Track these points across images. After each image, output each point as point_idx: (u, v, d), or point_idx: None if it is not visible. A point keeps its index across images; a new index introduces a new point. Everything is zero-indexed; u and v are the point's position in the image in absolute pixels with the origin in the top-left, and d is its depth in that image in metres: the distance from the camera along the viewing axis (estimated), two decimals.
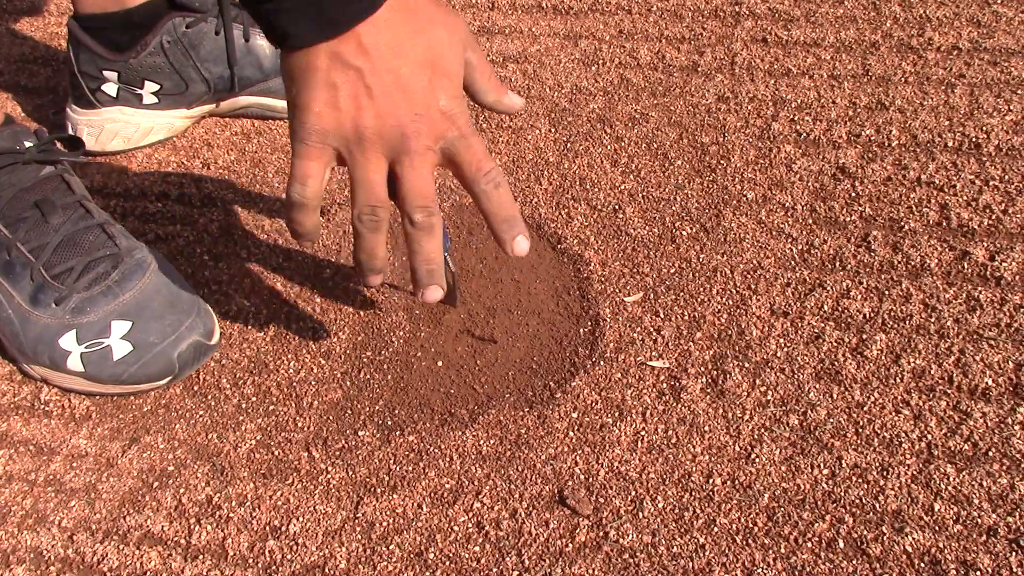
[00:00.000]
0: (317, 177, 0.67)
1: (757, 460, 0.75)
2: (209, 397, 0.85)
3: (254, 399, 0.84)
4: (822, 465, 0.74)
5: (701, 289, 0.89)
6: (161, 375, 0.83)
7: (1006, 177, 0.95)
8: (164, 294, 0.84)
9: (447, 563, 0.71)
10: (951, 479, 0.72)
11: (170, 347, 0.82)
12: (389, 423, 0.81)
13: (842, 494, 0.72)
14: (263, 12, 0.62)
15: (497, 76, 0.71)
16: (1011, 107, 1.04)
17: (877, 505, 0.71)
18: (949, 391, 0.78)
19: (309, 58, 0.62)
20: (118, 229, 0.88)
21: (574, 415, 0.79)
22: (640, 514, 0.72)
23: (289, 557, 0.72)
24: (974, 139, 1.00)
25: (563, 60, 1.21)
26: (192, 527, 0.75)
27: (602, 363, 0.83)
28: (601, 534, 0.71)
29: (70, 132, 1.13)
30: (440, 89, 0.65)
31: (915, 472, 0.72)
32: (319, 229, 0.72)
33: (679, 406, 0.79)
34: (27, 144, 0.87)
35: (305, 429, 0.81)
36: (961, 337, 0.81)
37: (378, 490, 0.76)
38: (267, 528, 0.74)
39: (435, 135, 0.65)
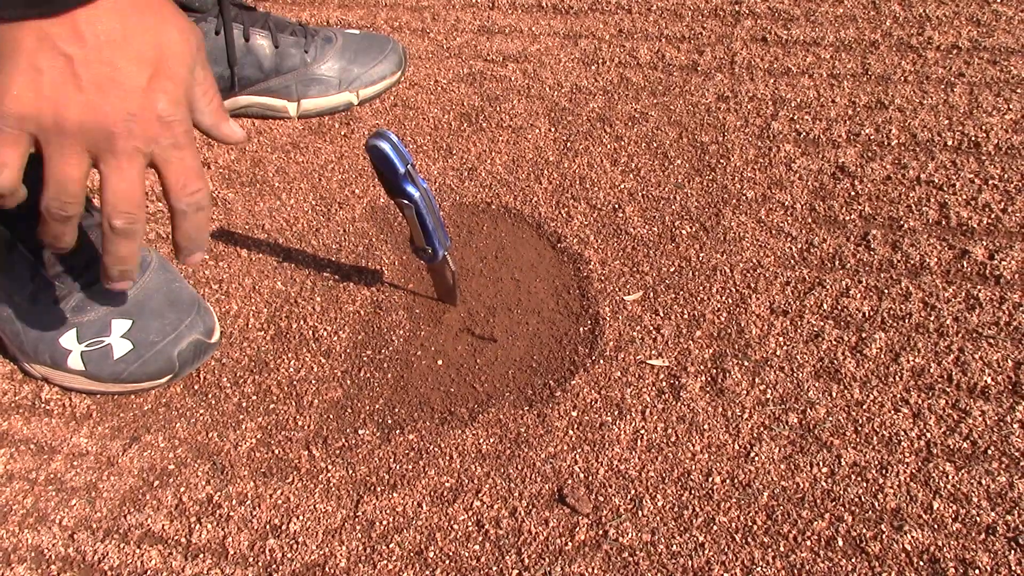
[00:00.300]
0: (13, 166, 0.59)
1: (756, 458, 0.75)
2: (209, 396, 0.85)
3: (254, 398, 0.84)
4: (821, 463, 0.74)
5: (701, 288, 0.89)
6: (161, 373, 0.83)
7: (1005, 176, 0.95)
8: (164, 293, 0.84)
9: (447, 562, 0.71)
10: (950, 477, 0.72)
11: (170, 345, 0.82)
12: (389, 422, 0.81)
13: (841, 492, 0.72)
14: None
15: (221, 100, 0.67)
16: (1010, 106, 1.04)
17: (876, 503, 0.71)
18: (948, 389, 0.78)
19: (15, 34, 0.56)
20: None
21: (574, 413, 0.79)
22: (639, 512, 0.72)
23: (289, 556, 0.72)
24: (973, 138, 1.00)
25: (563, 59, 1.21)
26: (192, 526, 0.75)
27: (602, 362, 0.83)
28: (601, 532, 0.71)
29: None
30: (161, 91, 0.59)
31: (914, 470, 0.72)
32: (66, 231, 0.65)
33: (679, 405, 0.79)
34: None
35: (305, 428, 0.81)
36: (960, 335, 0.82)
37: (378, 489, 0.76)
38: (267, 527, 0.74)
39: (147, 138, 0.60)
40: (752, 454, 0.75)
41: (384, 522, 0.74)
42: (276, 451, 0.80)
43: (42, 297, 0.83)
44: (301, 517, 0.75)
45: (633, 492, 0.74)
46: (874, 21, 1.20)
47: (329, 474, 0.78)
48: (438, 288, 0.90)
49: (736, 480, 0.74)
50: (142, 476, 0.79)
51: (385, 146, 0.72)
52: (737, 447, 0.76)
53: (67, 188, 0.60)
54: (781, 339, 0.83)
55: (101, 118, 0.58)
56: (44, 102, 0.57)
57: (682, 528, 0.71)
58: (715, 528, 0.71)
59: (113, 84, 0.57)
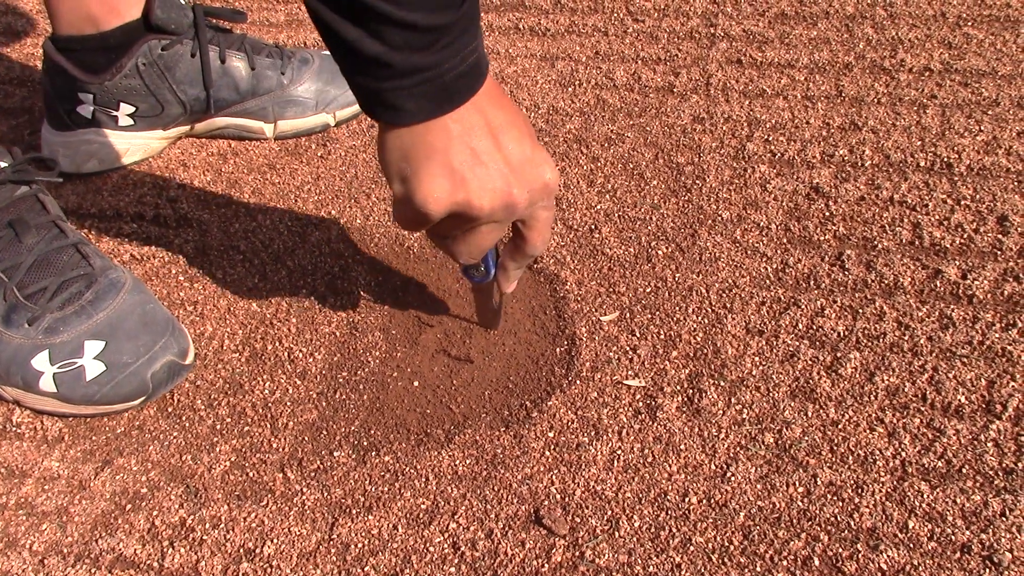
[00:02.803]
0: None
1: (733, 479, 0.75)
2: (183, 418, 0.84)
3: (229, 420, 0.84)
4: (797, 483, 0.74)
5: (677, 308, 0.89)
6: (134, 395, 0.82)
7: (977, 196, 0.96)
8: (138, 314, 0.84)
9: None
10: (925, 496, 0.72)
11: (143, 367, 0.82)
12: (365, 444, 0.81)
13: (817, 512, 0.72)
14: (373, 88, 0.60)
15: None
16: (982, 127, 1.05)
17: (852, 523, 0.71)
18: (923, 408, 0.78)
19: (428, 138, 0.62)
20: (92, 249, 0.87)
21: (550, 434, 0.79)
22: (616, 533, 0.72)
23: None
24: (946, 159, 1.01)
25: (540, 81, 1.22)
26: (165, 550, 0.74)
27: (578, 382, 0.83)
28: (577, 554, 0.71)
29: (46, 154, 1.12)
30: (543, 161, 0.66)
31: (889, 489, 0.73)
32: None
33: (655, 425, 0.79)
34: (1, 164, 0.87)
35: (280, 450, 0.81)
36: (934, 355, 0.82)
37: (353, 511, 0.75)
38: (241, 551, 0.74)
39: (533, 204, 0.67)
40: (728, 474, 0.75)
41: (359, 545, 0.73)
42: (250, 474, 0.79)
43: (14, 318, 0.82)
44: (275, 540, 0.74)
45: (610, 513, 0.73)
46: (848, 44, 1.22)
47: (304, 497, 0.77)
48: (480, 311, 0.88)
49: (712, 500, 0.73)
50: (114, 500, 0.78)
51: None
52: (713, 467, 0.76)
53: (475, 253, 0.70)
54: (757, 359, 0.83)
55: (508, 201, 0.64)
56: (459, 197, 0.63)
57: (659, 549, 0.71)
58: (692, 548, 0.70)
59: (511, 168, 0.64)
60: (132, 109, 1.09)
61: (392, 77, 0.59)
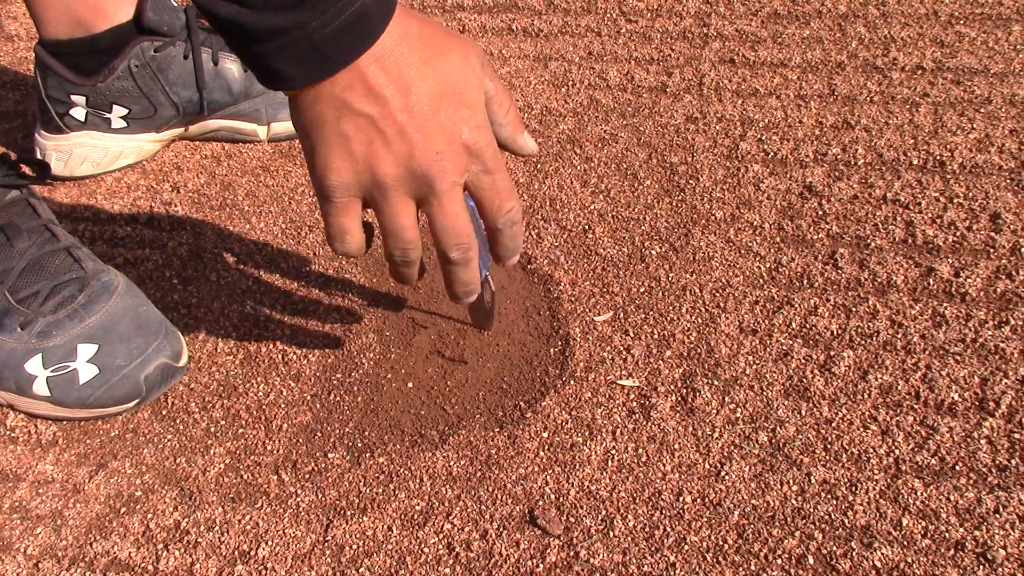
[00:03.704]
0: (354, 231, 0.65)
1: (727, 477, 0.75)
2: (177, 421, 0.84)
3: (223, 422, 0.83)
4: (791, 482, 0.74)
5: (670, 308, 0.89)
6: (128, 398, 0.82)
7: (970, 194, 0.97)
8: (131, 316, 0.84)
9: None
10: (919, 494, 0.72)
11: (137, 369, 0.82)
12: (359, 445, 0.80)
13: (811, 510, 0.72)
14: (254, 54, 0.58)
15: (517, 109, 0.69)
16: (974, 125, 1.05)
17: (846, 521, 0.71)
18: (916, 406, 0.78)
19: (318, 109, 0.59)
20: (84, 252, 0.87)
21: (544, 435, 0.79)
22: (611, 533, 0.72)
23: None
24: (938, 157, 1.02)
25: (533, 82, 1.22)
26: (160, 553, 0.74)
27: (572, 382, 0.83)
28: (572, 554, 0.71)
29: (39, 157, 1.12)
30: (461, 121, 0.61)
31: (883, 487, 0.73)
32: (410, 265, 0.69)
33: (649, 424, 0.79)
34: None
35: (274, 452, 0.81)
36: (927, 353, 0.82)
37: (348, 513, 0.75)
38: (236, 553, 0.73)
39: (460, 169, 0.62)
40: (723, 473, 0.75)
41: (354, 546, 0.73)
42: (245, 476, 0.79)
43: (7, 323, 0.82)
44: (270, 542, 0.74)
45: (604, 513, 0.73)
46: (840, 43, 1.22)
47: (298, 498, 0.77)
48: (473, 312, 0.88)
49: (707, 499, 0.73)
50: (108, 503, 0.78)
51: None
52: (708, 466, 0.76)
53: (403, 236, 0.64)
54: (750, 358, 0.84)
55: (414, 165, 0.60)
56: (359, 166, 0.60)
57: (653, 548, 0.71)
58: (686, 548, 0.70)
59: (416, 129, 0.59)
60: (125, 111, 1.09)
61: (257, 40, 0.56)
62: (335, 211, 0.64)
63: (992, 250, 0.90)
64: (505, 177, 0.65)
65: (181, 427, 0.83)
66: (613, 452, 0.77)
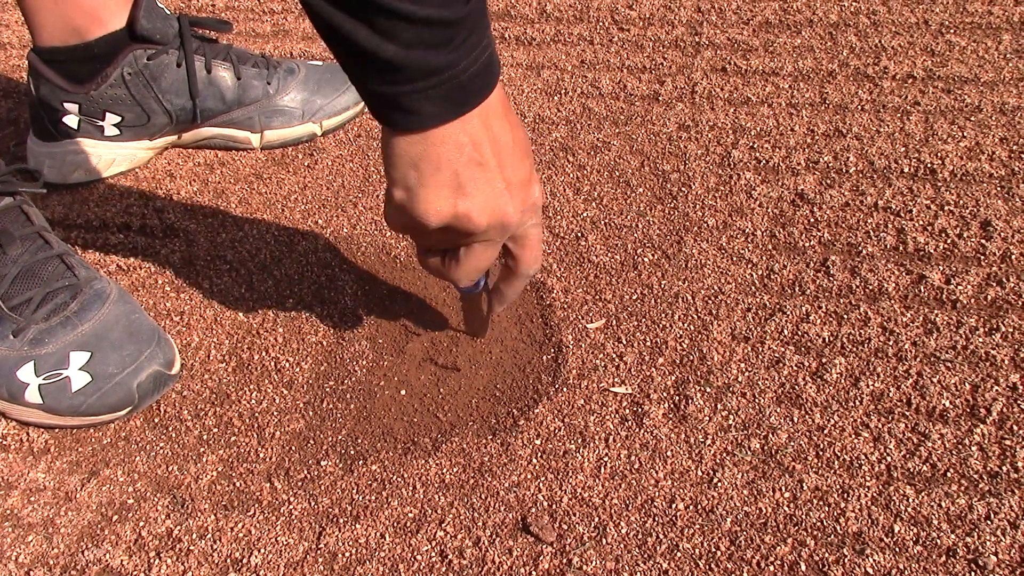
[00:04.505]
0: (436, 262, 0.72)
1: (719, 484, 0.75)
2: (170, 429, 0.84)
3: (215, 430, 0.83)
4: (784, 488, 0.74)
5: (663, 315, 0.89)
6: (120, 406, 0.82)
7: (961, 202, 0.97)
8: (123, 324, 0.84)
9: None
10: (910, 500, 0.72)
11: (129, 377, 0.81)
12: (352, 452, 0.80)
13: (803, 517, 0.72)
14: (390, 93, 0.58)
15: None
16: (965, 133, 1.06)
17: (838, 527, 0.71)
18: (907, 413, 0.78)
19: (440, 148, 0.61)
20: (77, 260, 0.87)
21: (537, 442, 0.79)
22: (603, 540, 0.72)
23: None
24: (929, 165, 1.02)
25: (526, 90, 1.22)
26: (152, 561, 0.74)
27: (565, 390, 0.83)
28: (565, 561, 0.71)
29: (32, 164, 1.12)
30: (535, 181, 0.66)
31: (875, 494, 0.73)
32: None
33: (642, 432, 0.79)
34: None
35: (267, 460, 0.81)
36: (919, 360, 0.82)
37: (340, 520, 0.75)
38: (228, 561, 0.73)
39: (524, 223, 0.68)
40: (715, 480, 0.75)
41: (347, 554, 0.73)
42: (237, 484, 0.79)
43: None
44: (263, 550, 0.74)
45: (597, 520, 0.73)
46: (831, 51, 1.22)
47: (291, 506, 0.77)
48: (468, 320, 0.88)
49: (699, 506, 0.74)
50: (100, 511, 0.78)
51: None
52: (700, 473, 0.76)
53: (471, 274, 0.70)
54: (743, 365, 0.84)
55: (504, 220, 0.65)
56: (460, 210, 0.63)
57: (646, 555, 0.71)
58: (679, 555, 0.71)
59: (510, 186, 0.64)
60: (118, 119, 1.09)
61: (409, 80, 0.57)
62: (425, 248, 0.71)
63: (983, 257, 0.91)
64: (542, 231, 0.71)
65: (174, 435, 0.83)
66: (606, 459, 0.78)
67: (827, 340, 0.85)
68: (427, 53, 0.56)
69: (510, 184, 0.64)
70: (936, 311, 0.86)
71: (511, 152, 0.63)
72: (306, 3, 0.55)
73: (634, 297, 0.91)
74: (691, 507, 0.74)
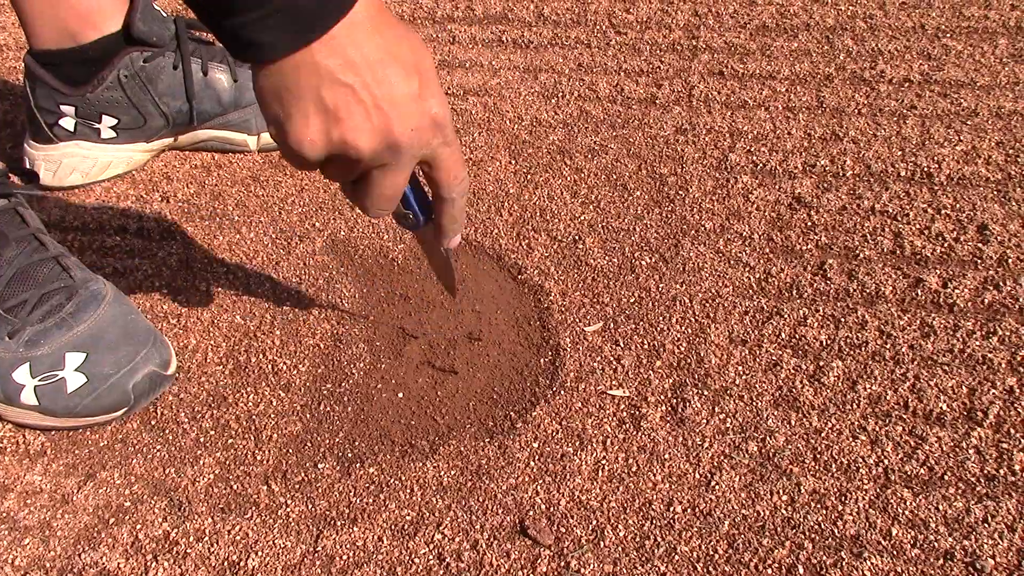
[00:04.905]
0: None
1: (717, 487, 0.75)
2: (167, 431, 0.84)
3: (212, 433, 0.83)
4: (781, 491, 0.74)
5: (660, 318, 0.89)
6: (116, 407, 0.82)
7: (957, 206, 0.97)
8: (119, 325, 0.83)
9: None
10: (908, 503, 0.72)
11: (125, 378, 0.81)
12: (349, 455, 0.80)
13: (801, 520, 0.72)
14: (228, 27, 0.57)
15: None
16: (961, 137, 1.06)
17: (836, 530, 0.71)
18: (905, 416, 0.79)
19: (294, 77, 0.58)
20: (73, 261, 0.87)
21: (535, 445, 0.79)
22: (601, 543, 0.72)
23: None
24: (926, 169, 1.02)
25: (523, 93, 1.22)
26: (149, 564, 0.73)
27: (562, 392, 0.83)
28: (562, 564, 0.71)
29: (28, 167, 1.12)
30: (430, 96, 0.62)
31: (873, 497, 0.73)
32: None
33: (639, 434, 0.79)
34: None
35: (264, 462, 0.80)
36: (916, 363, 0.83)
37: (338, 523, 0.75)
38: (225, 563, 0.73)
39: (425, 144, 0.63)
40: (713, 483, 0.75)
41: (344, 557, 0.73)
42: (234, 486, 0.79)
43: None
44: (260, 553, 0.74)
45: (595, 523, 0.73)
46: (828, 55, 1.23)
47: (288, 509, 0.77)
48: (435, 269, 0.86)
49: (697, 509, 0.74)
50: (97, 514, 0.77)
51: None
52: (698, 476, 0.76)
53: (379, 203, 0.66)
54: (740, 368, 0.84)
55: (391, 139, 0.60)
56: (334, 137, 0.59)
57: (644, 558, 0.71)
58: (676, 558, 0.71)
59: (393, 103, 0.60)
60: (114, 121, 1.09)
61: (243, 11, 0.55)
62: (335, 180, 0.66)
63: (980, 261, 0.91)
64: (459, 149, 0.67)
65: (170, 437, 0.83)
66: (603, 462, 0.78)
67: (824, 343, 0.85)
68: None
69: (391, 101, 0.59)
70: (933, 315, 0.86)
71: (386, 67, 0.59)
72: None
73: (632, 300, 0.91)
74: (689, 510, 0.74)
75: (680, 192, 1.04)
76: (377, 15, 0.59)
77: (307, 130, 0.59)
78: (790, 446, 0.77)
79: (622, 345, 0.87)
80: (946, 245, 0.93)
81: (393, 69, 0.60)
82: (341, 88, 0.58)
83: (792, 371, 0.83)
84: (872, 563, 0.69)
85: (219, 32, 0.59)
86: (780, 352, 0.85)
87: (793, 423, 0.79)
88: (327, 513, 0.76)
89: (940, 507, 0.72)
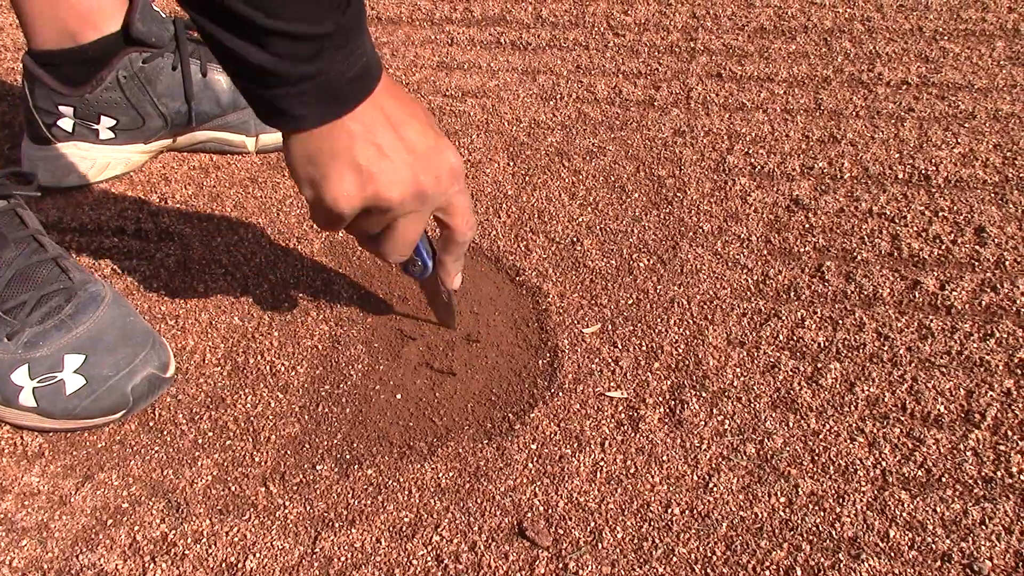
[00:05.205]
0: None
1: (715, 489, 0.75)
2: (165, 433, 0.84)
3: (210, 434, 0.83)
4: (779, 493, 0.74)
5: (658, 320, 0.89)
6: (115, 408, 0.82)
7: (955, 208, 0.97)
8: (118, 327, 0.83)
9: None
10: (906, 505, 0.72)
11: (124, 380, 0.81)
12: (347, 457, 0.80)
13: (799, 522, 0.72)
14: (265, 97, 0.62)
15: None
16: (959, 140, 1.06)
17: (833, 532, 0.71)
18: (902, 418, 0.79)
19: (331, 142, 0.64)
20: (72, 263, 0.87)
21: (533, 446, 0.79)
22: (599, 545, 0.72)
23: None
24: (924, 171, 1.02)
25: (521, 95, 1.22)
26: (147, 565, 0.73)
27: (561, 394, 0.83)
28: (561, 566, 0.71)
29: (26, 168, 1.12)
30: (446, 148, 0.68)
31: (870, 499, 0.73)
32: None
33: (637, 436, 0.79)
34: None
35: (262, 464, 0.80)
36: (913, 365, 0.83)
37: (336, 525, 0.75)
38: (223, 565, 0.73)
39: (445, 191, 0.70)
40: (711, 485, 0.75)
41: (342, 558, 0.73)
42: (232, 488, 0.79)
43: None
44: (258, 555, 0.74)
45: (593, 524, 0.73)
46: (826, 58, 1.23)
47: (286, 510, 0.77)
48: (434, 308, 0.90)
49: (695, 511, 0.74)
50: (95, 515, 0.77)
51: None
52: (696, 478, 0.76)
53: (400, 249, 0.72)
54: (738, 370, 0.84)
55: (418, 189, 0.67)
56: (368, 191, 0.65)
57: (642, 560, 0.71)
58: (675, 559, 0.71)
59: (416, 157, 0.66)
60: (113, 122, 1.09)
61: (281, 85, 0.61)
62: (358, 235, 0.73)
63: (977, 263, 0.91)
64: (469, 196, 0.74)
65: (168, 439, 0.83)
66: (602, 464, 0.78)
67: (822, 345, 0.85)
68: (299, 63, 0.60)
69: (415, 153, 0.66)
70: (931, 316, 0.87)
71: (408, 124, 0.66)
72: (184, 2, 0.59)
73: (630, 302, 0.91)
74: (687, 512, 0.74)
75: (678, 194, 1.04)
76: (389, 82, 0.66)
77: (343, 188, 0.65)
78: (788, 448, 0.77)
79: (620, 347, 0.87)
80: (944, 247, 0.93)
81: (413, 127, 0.66)
82: (371, 147, 0.64)
83: (790, 373, 0.83)
84: (870, 565, 0.69)
85: (254, 100, 0.64)
86: (778, 354, 0.85)
87: (791, 425, 0.79)
88: (325, 515, 0.76)
89: (938, 509, 0.72)
